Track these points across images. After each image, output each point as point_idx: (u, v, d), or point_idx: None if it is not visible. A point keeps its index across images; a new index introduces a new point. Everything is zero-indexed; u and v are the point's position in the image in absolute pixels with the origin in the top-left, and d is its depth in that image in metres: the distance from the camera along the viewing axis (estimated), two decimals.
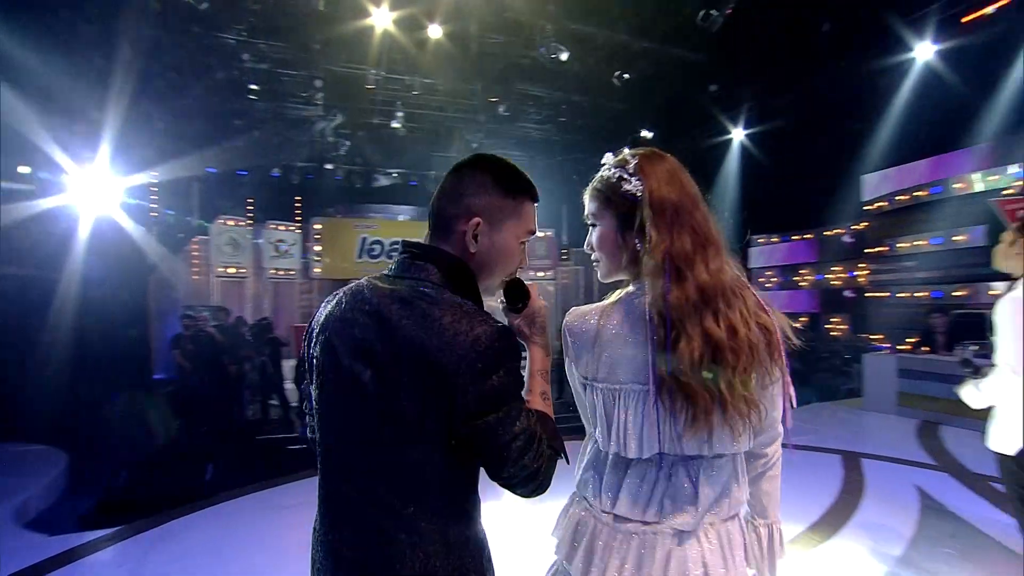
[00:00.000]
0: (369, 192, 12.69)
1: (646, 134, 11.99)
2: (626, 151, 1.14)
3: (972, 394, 2.29)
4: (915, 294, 8.66)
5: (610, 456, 1.07)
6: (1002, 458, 2.20)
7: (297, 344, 8.80)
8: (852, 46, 9.06)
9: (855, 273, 10.02)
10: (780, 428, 1.13)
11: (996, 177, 7.93)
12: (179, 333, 6.86)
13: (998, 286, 7.77)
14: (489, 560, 0.99)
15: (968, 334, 6.60)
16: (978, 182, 8.12)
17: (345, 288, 1.04)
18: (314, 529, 1.01)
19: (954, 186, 8.40)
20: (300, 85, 9.25)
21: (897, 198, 9.13)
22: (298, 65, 8.71)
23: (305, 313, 11.88)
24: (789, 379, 1.07)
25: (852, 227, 10.27)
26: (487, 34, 8.87)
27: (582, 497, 1.15)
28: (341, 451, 0.97)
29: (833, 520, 3.64)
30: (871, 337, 9.20)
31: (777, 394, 1.07)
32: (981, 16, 8.14)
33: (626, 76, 9.98)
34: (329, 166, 11.78)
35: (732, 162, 12.20)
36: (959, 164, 8.41)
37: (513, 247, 1.06)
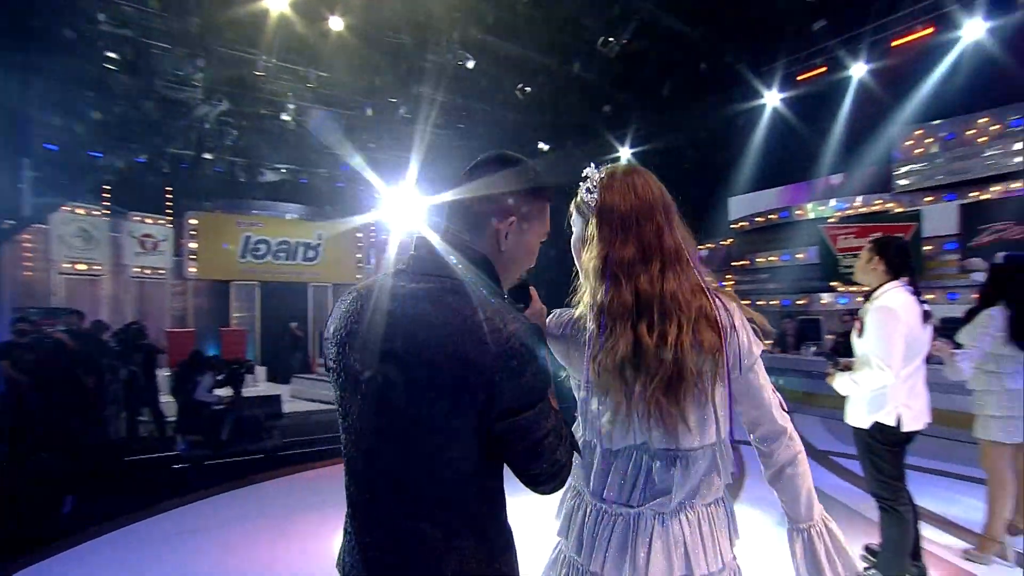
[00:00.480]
0: (253, 187, 11.69)
1: (543, 146, 12.51)
2: (605, 167, 1.19)
3: (845, 383, 2.68)
4: (770, 302, 10.01)
5: (598, 447, 1.13)
6: (857, 431, 2.73)
7: (172, 352, 7.80)
8: (722, 86, 10.30)
9: (724, 283, 11.28)
10: (780, 427, 1.14)
11: (823, 208, 9.48)
12: (9, 341, 5.75)
13: (827, 297, 9.26)
14: (516, 554, 1.00)
15: (810, 336, 7.79)
16: (811, 211, 9.63)
17: (360, 287, 1.00)
18: (346, 534, 0.98)
19: (796, 212, 9.87)
20: (176, 62, 8.27)
21: (756, 219, 10.49)
22: (174, 39, 7.78)
23: (177, 317, 10.59)
24: (729, 388, 1.09)
25: (721, 243, 11.58)
26: (392, 32, 8.68)
27: (574, 485, 1.21)
28: (370, 456, 0.93)
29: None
30: None
31: (724, 397, 1.09)
32: (814, 75, 9.71)
33: (528, 89, 10.34)
34: (208, 156, 10.66)
35: None
36: (799, 194, 9.93)
37: (535, 248, 1.07)
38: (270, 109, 10.07)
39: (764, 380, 1.13)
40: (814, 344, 7.88)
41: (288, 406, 7.87)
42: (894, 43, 8.86)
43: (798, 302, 9.61)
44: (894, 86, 8.75)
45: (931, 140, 8.62)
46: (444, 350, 0.87)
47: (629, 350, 1.02)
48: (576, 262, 1.22)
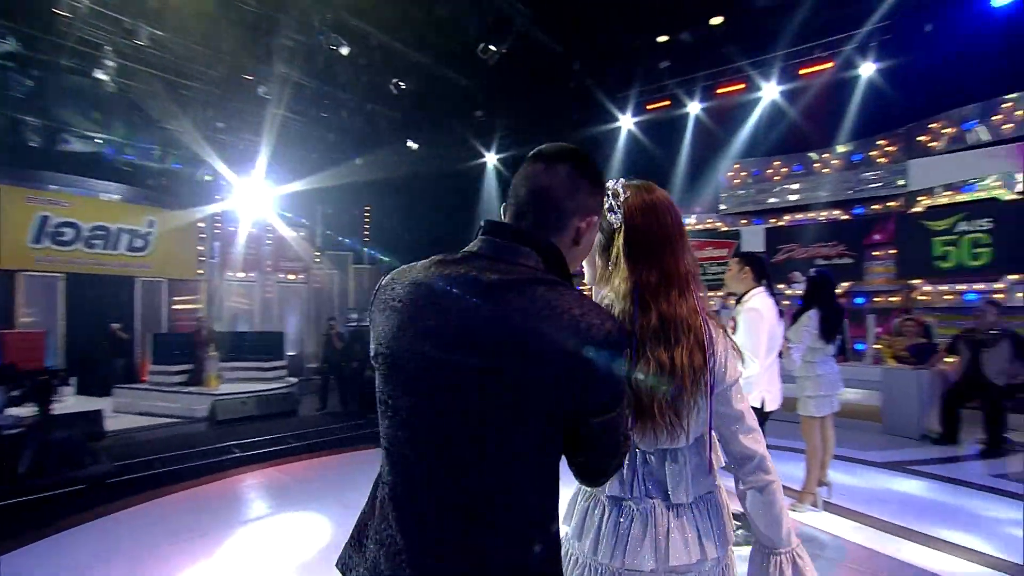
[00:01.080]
0: (55, 157, 9.54)
1: (412, 144, 12.29)
2: (621, 182, 1.23)
3: None
4: None
5: None
6: None
7: None
8: (585, 105, 11.23)
9: (581, 287, 12.25)
10: (750, 451, 1.19)
11: None
12: None
13: None
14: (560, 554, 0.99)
15: None
16: None
17: (409, 272, 0.93)
18: (382, 543, 0.89)
19: None
20: None
21: None
22: None
23: None
24: (710, 403, 1.18)
25: None
26: (257, 5, 7.82)
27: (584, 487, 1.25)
28: (429, 451, 0.87)
29: None
30: None
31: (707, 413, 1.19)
32: (660, 107, 11.13)
33: (402, 85, 10.09)
34: None
35: (488, 184, 13.49)
36: None
37: (592, 246, 1.09)
38: (79, 61, 8.31)
39: (738, 405, 1.19)
40: None
41: (112, 423, 6.62)
42: (718, 90, 10.57)
43: None
44: (721, 125, 10.43)
45: (745, 174, 10.43)
46: (546, 343, 0.83)
47: (655, 369, 1.10)
48: (586, 267, 1.25)
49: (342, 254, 13.36)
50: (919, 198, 8.51)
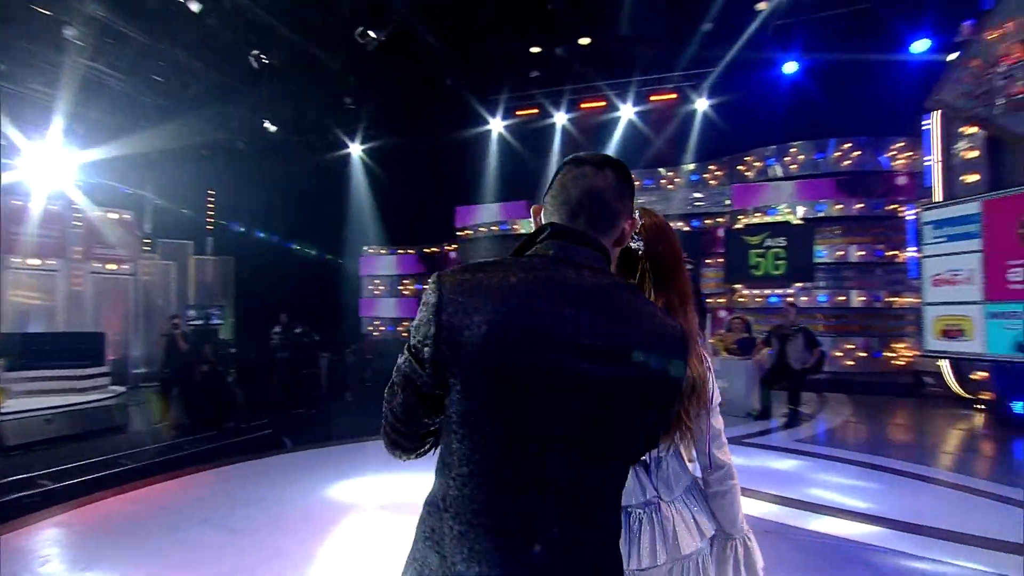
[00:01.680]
0: None
1: (269, 126, 11.16)
2: (640, 211, 1.28)
3: None
4: None
5: None
6: None
7: None
8: (458, 104, 11.31)
9: None
10: (720, 462, 1.32)
11: (533, 226, 11.50)
12: None
13: None
14: None
15: None
16: (524, 227, 11.52)
17: (491, 275, 0.86)
18: (467, 559, 0.84)
19: (513, 227, 11.62)
20: None
21: (480, 229, 11.83)
22: None
23: None
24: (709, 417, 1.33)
25: (446, 248, 12.57)
26: None
27: None
28: (532, 460, 0.84)
29: None
30: None
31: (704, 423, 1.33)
32: (528, 114, 11.73)
33: (264, 59, 9.11)
34: None
35: (353, 175, 12.81)
36: (517, 211, 11.72)
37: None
38: None
39: (717, 421, 1.30)
40: None
41: None
42: (582, 104, 11.47)
43: None
44: (586, 136, 11.30)
45: None
46: (646, 345, 0.87)
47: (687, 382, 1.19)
48: None
49: (181, 243, 11.57)
50: (739, 216, 10.22)
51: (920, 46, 8.68)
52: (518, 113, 11.83)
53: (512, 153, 11.55)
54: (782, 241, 9.43)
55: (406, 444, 0.92)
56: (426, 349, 0.84)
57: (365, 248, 13.53)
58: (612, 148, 11.12)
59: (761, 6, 8.89)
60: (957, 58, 7.21)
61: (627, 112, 11.03)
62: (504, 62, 10.58)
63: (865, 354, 9.05)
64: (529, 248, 0.94)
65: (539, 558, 0.83)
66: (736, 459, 1.38)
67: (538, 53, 10.33)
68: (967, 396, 7.31)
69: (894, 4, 8.39)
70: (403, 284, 13.21)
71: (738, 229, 10.03)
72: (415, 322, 0.87)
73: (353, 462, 5.01)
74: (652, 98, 10.94)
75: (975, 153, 7.10)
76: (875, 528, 3.44)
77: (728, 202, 10.38)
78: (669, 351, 0.87)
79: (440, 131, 11.57)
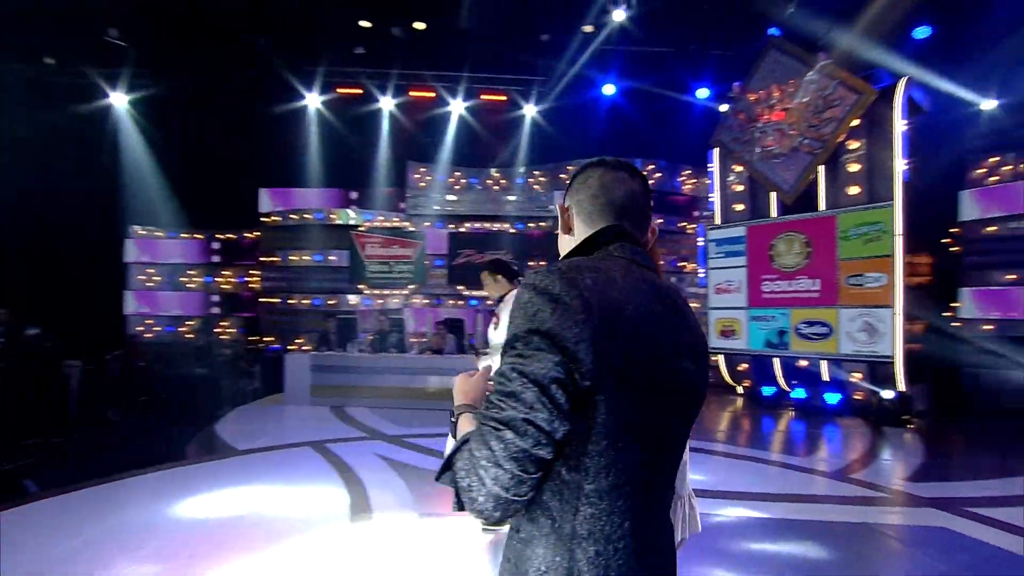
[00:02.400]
0: None
1: None
2: None
3: (486, 363, 3.70)
4: (302, 301, 10.55)
5: None
6: None
7: None
8: (266, 69, 10.16)
9: (246, 278, 10.95)
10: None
11: (354, 215, 10.98)
12: None
13: (354, 298, 10.74)
14: None
15: (350, 334, 8.88)
16: (343, 216, 10.94)
17: (615, 277, 0.88)
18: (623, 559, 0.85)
19: (330, 216, 10.91)
20: None
21: (291, 216, 10.82)
22: None
23: None
24: None
25: (246, 235, 11.18)
26: None
27: None
28: (653, 462, 0.88)
29: (363, 501, 4.33)
30: (264, 339, 10.37)
31: None
32: (351, 93, 11.16)
33: None
34: None
35: (122, 136, 10.54)
36: (332, 198, 11.04)
37: None
38: None
39: None
40: (361, 340, 9.01)
41: None
42: (411, 92, 11.34)
43: (329, 302, 10.62)
44: (416, 126, 11.17)
45: (430, 178, 11.49)
46: (704, 340, 0.98)
47: None
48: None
49: None
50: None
51: (702, 93, 10.69)
52: (340, 91, 11.14)
53: (334, 135, 10.84)
54: None
55: (522, 502, 0.80)
56: (579, 364, 0.79)
57: (135, 229, 11.25)
58: (444, 143, 11.24)
59: (587, 29, 9.95)
60: (729, 109, 9.11)
61: (457, 107, 11.25)
62: (326, 30, 9.86)
63: None
64: (593, 248, 0.97)
65: (660, 563, 0.89)
66: None
67: (367, 28, 9.88)
68: (733, 384, 9.26)
69: (684, 55, 10.17)
70: (187, 276, 11.33)
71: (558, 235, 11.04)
72: (535, 341, 0.79)
73: (116, 504, 4.18)
74: (483, 96, 11.35)
75: (741, 187, 9.03)
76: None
77: (552, 207, 11.32)
78: (706, 344, 1.00)
79: (243, 96, 10.24)
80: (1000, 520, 3.96)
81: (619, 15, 9.36)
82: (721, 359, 9.21)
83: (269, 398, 8.68)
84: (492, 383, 0.83)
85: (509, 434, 0.77)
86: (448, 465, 0.83)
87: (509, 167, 11.55)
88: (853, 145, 7.71)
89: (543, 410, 0.77)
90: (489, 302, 4.53)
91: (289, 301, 10.62)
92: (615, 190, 1.01)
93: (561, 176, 11.55)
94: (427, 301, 11.15)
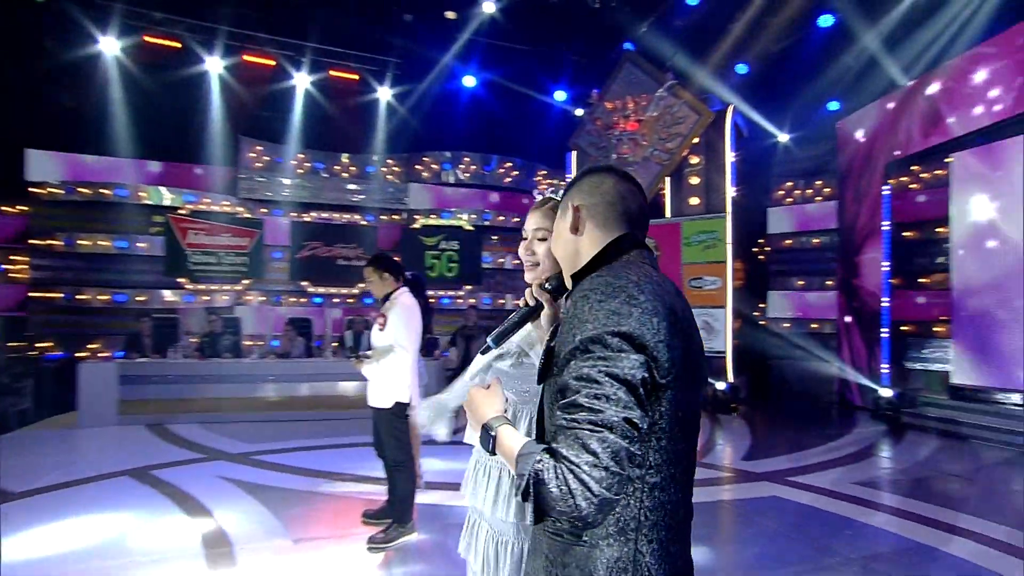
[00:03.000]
0: None
1: None
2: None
3: (375, 369, 3.53)
4: (98, 296, 8.81)
5: None
6: (380, 411, 3.56)
7: None
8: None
9: (6, 267, 8.81)
10: None
11: (173, 195, 9.54)
12: None
13: (170, 294, 9.34)
14: None
15: (172, 338, 7.74)
16: (156, 195, 9.44)
17: (655, 275, 1.00)
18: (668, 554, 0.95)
19: (139, 193, 9.31)
20: None
21: (79, 189, 8.98)
22: None
23: None
24: None
25: (4, 208, 8.97)
26: None
27: None
28: (688, 457, 1.00)
29: (217, 534, 3.81)
30: (37, 345, 8.44)
31: None
32: (164, 44, 9.69)
33: None
34: None
35: None
36: (147, 173, 9.43)
37: None
38: None
39: None
40: (186, 344, 7.88)
41: None
42: (245, 56, 10.22)
43: (137, 298, 9.04)
44: (250, 95, 9.99)
45: (268, 159, 10.45)
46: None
47: None
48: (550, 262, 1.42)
49: None
50: (416, 216, 11.07)
51: (560, 95, 11.40)
52: (148, 40, 9.54)
53: (143, 95, 9.21)
54: (455, 245, 10.74)
55: (617, 495, 0.85)
56: (658, 362, 0.88)
57: None
58: (289, 121, 10.30)
59: (450, 15, 9.96)
60: (587, 115, 9.87)
61: (302, 81, 10.41)
62: None
63: None
64: (615, 254, 1.04)
65: (681, 555, 1.00)
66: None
67: None
68: None
69: (545, 56, 10.76)
70: None
71: (415, 229, 10.86)
72: (615, 342, 0.86)
73: None
74: (333, 73, 10.67)
75: None
76: None
77: (407, 200, 11.10)
78: None
79: (13, 33, 8.22)
80: (811, 484, 4.98)
81: (489, 7, 9.53)
82: None
83: (52, 420, 7.13)
84: (572, 388, 0.86)
85: (610, 435, 0.82)
86: (524, 477, 0.85)
87: (361, 153, 11.01)
88: (694, 160, 8.89)
89: (636, 408, 0.85)
90: (376, 316, 4.27)
91: (79, 297, 8.82)
92: (629, 201, 1.08)
93: (417, 167, 11.37)
94: (264, 298, 10.14)
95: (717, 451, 6.29)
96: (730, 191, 8.57)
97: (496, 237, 11.57)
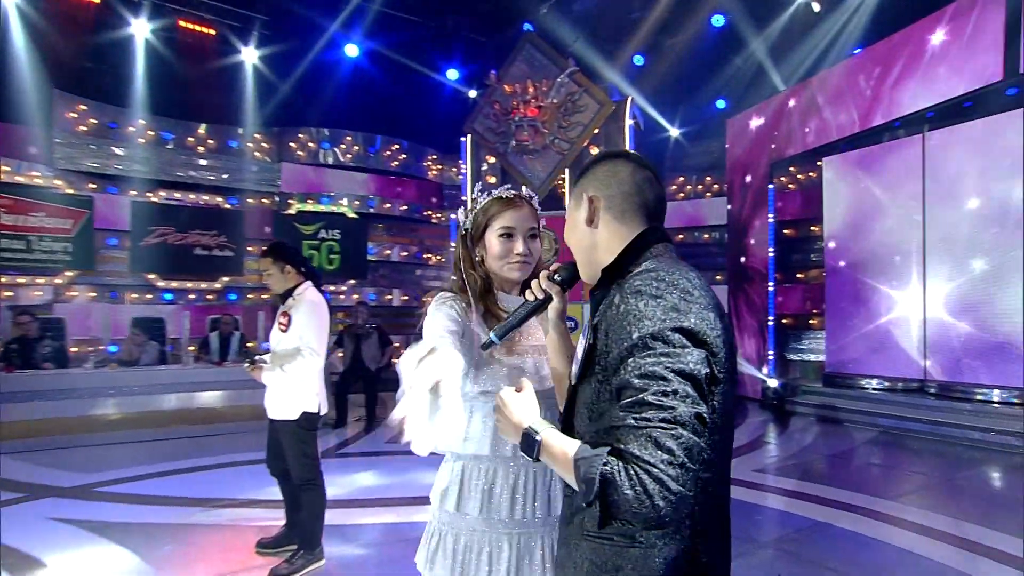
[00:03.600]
0: None
1: None
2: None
3: (277, 376, 3.24)
4: None
5: None
6: (285, 423, 3.28)
7: None
8: None
9: None
10: None
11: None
12: None
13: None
14: None
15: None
16: (28, 177, 7.83)
17: (693, 270, 1.03)
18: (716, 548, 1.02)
19: (37, 175, 7.66)
20: None
21: None
22: None
23: None
24: None
25: None
26: None
27: None
28: (729, 451, 1.06)
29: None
30: None
31: None
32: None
33: None
34: None
35: None
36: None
37: None
38: None
39: None
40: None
41: None
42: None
43: None
44: (69, 40, 8.44)
45: (96, 122, 9.04)
46: None
47: None
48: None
49: None
50: (290, 200, 10.27)
51: (452, 74, 11.19)
52: None
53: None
54: (337, 234, 10.12)
55: (691, 492, 0.86)
56: (717, 357, 0.93)
57: None
58: (126, 77, 8.98)
59: None
60: (484, 97, 9.79)
61: (140, 29, 9.12)
62: None
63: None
64: (642, 250, 1.07)
65: (723, 552, 1.05)
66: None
67: None
68: None
69: (438, 31, 10.53)
70: None
71: (290, 215, 10.09)
72: (677, 337, 0.89)
73: None
74: (182, 23, 9.49)
75: (494, 179, 9.80)
76: None
77: (278, 182, 10.26)
78: None
79: None
80: None
81: None
82: None
83: None
84: (635, 386, 0.88)
85: (684, 432, 0.84)
86: (593, 481, 0.86)
87: (222, 124, 9.95)
88: (594, 151, 9.18)
89: (704, 404, 0.88)
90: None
91: None
92: (647, 192, 1.11)
93: (291, 144, 10.56)
94: (95, 294, 8.80)
95: None
96: None
97: (382, 226, 11.13)
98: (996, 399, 6.70)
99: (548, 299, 1.27)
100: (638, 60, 10.52)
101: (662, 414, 0.84)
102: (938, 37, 6.91)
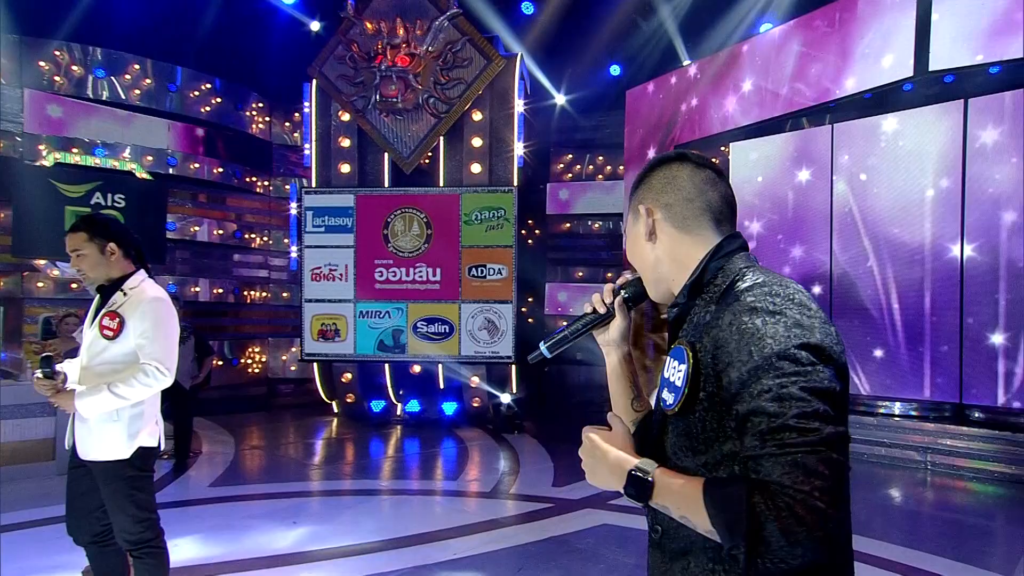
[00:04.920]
0: None
1: None
2: None
3: (104, 401, 2.61)
4: None
5: None
6: (111, 466, 2.66)
7: None
8: None
9: None
10: None
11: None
12: None
13: None
14: None
15: None
16: None
17: (796, 283, 1.08)
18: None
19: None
20: None
21: None
22: None
23: None
24: None
25: None
26: None
27: None
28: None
29: None
30: None
31: None
32: None
33: None
34: None
35: None
36: None
37: None
38: None
39: None
40: None
41: None
42: None
43: None
44: None
45: None
46: None
47: None
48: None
49: None
50: (40, 147, 8.14)
51: None
52: None
53: None
54: (120, 200, 8.23)
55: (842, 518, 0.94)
56: (842, 372, 0.98)
57: None
58: None
59: None
60: (339, 34, 8.51)
61: None
62: None
63: (221, 363, 9.27)
64: (726, 256, 1.13)
65: None
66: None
67: None
68: (328, 400, 8.86)
69: None
70: None
71: (44, 168, 8.02)
72: (804, 355, 0.92)
73: None
74: None
75: (348, 142, 8.68)
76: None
77: (19, 118, 8.08)
78: None
79: None
80: (633, 506, 5.27)
81: None
82: (316, 368, 8.64)
83: None
84: (768, 411, 0.89)
85: (832, 454, 0.87)
86: (738, 521, 0.87)
87: None
88: (477, 116, 8.45)
89: (843, 423, 0.92)
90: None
91: None
92: (709, 192, 1.16)
93: (41, 63, 8.37)
94: None
95: (523, 478, 6.36)
96: (517, 159, 8.39)
97: (186, 193, 9.35)
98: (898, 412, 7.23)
99: (610, 315, 1.29)
100: (527, 8, 9.90)
101: (806, 437, 0.87)
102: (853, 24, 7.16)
